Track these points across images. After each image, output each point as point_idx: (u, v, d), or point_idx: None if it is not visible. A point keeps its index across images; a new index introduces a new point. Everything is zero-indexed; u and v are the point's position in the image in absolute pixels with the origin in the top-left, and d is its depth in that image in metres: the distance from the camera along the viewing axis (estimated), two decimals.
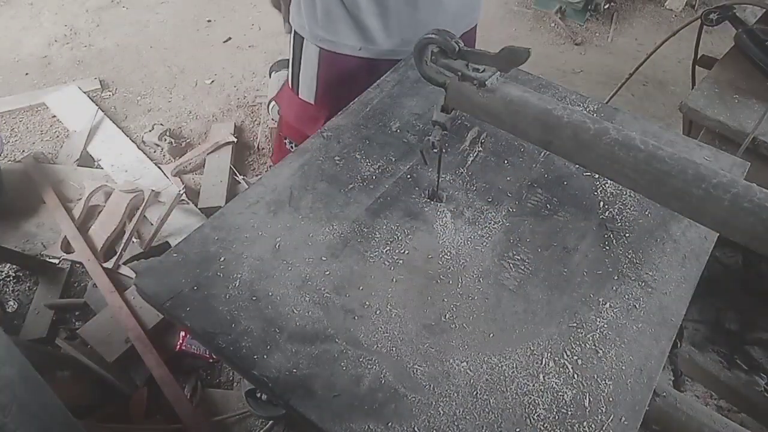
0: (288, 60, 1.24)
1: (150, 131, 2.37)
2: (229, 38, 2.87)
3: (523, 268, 0.79)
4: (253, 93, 2.57)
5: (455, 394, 0.66)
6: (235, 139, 2.28)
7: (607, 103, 1.16)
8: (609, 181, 0.91)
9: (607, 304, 0.75)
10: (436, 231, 0.83)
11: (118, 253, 1.90)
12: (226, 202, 1.77)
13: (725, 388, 1.26)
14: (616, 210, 0.87)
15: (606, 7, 3.20)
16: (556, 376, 0.68)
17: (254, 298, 0.74)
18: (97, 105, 2.51)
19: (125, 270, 1.87)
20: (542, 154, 0.95)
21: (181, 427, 1.54)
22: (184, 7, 3.07)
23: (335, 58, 1.12)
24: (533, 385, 0.67)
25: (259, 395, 1.24)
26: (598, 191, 0.90)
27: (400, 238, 0.81)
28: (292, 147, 1.32)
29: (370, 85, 1.04)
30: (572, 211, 0.86)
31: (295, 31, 1.16)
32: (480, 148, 0.95)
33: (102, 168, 2.27)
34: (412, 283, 0.76)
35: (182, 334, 1.71)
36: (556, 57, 2.99)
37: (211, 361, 1.72)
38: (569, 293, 0.76)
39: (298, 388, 0.66)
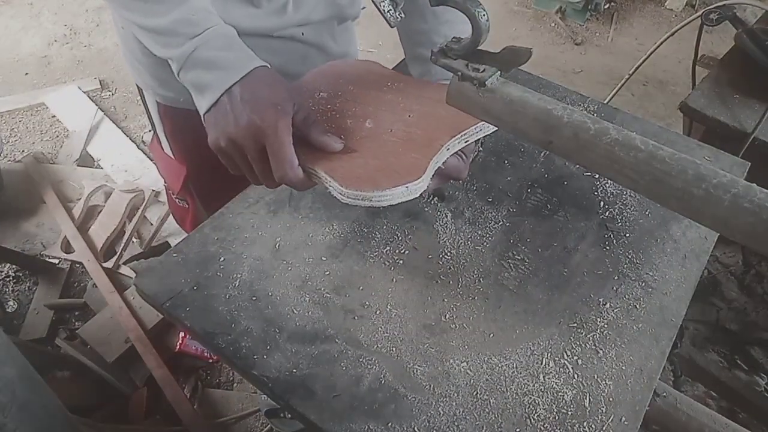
0: None
1: (150, 131, 2.37)
2: None
3: (523, 268, 0.79)
4: None
5: (455, 394, 0.66)
6: None
7: (607, 103, 1.16)
8: (609, 181, 0.91)
9: (608, 304, 0.75)
10: (436, 231, 0.83)
11: (118, 253, 1.90)
12: None
13: (725, 388, 1.26)
14: (616, 210, 0.87)
15: (606, 7, 3.20)
16: (556, 376, 0.68)
17: (254, 298, 0.74)
18: (96, 105, 2.51)
19: (125, 270, 1.87)
20: (542, 154, 0.95)
21: (181, 428, 1.54)
22: None
23: (174, 111, 0.97)
24: (533, 385, 0.67)
25: (282, 415, 1.22)
26: (599, 191, 0.90)
27: (400, 238, 0.81)
28: (185, 205, 1.15)
29: None
30: (572, 211, 0.86)
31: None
32: (480, 148, 0.95)
33: (102, 168, 2.27)
34: (412, 283, 0.76)
35: (182, 334, 1.71)
36: (556, 57, 2.99)
37: (210, 361, 1.72)
38: (569, 293, 0.76)
39: (298, 388, 0.66)
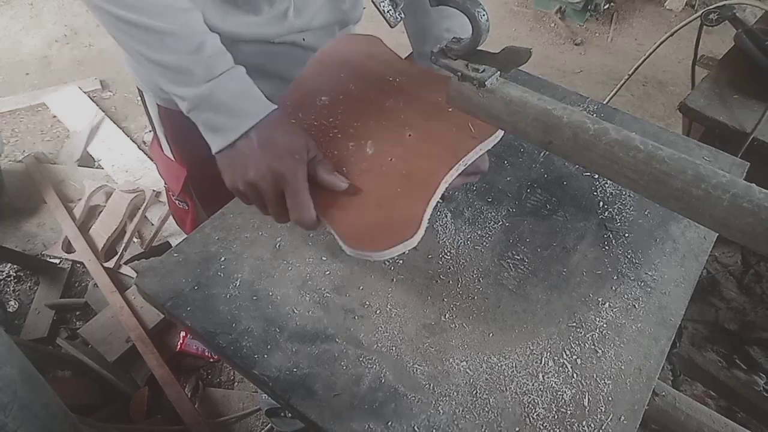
0: None
1: (150, 131, 2.38)
2: None
3: (522, 267, 0.79)
4: None
5: (455, 394, 0.66)
6: None
7: (607, 103, 1.16)
8: (609, 182, 0.91)
9: (607, 304, 0.76)
10: (436, 231, 0.83)
11: (119, 253, 1.91)
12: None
13: (724, 387, 1.26)
14: (615, 210, 0.87)
15: (606, 7, 3.20)
16: (556, 375, 0.68)
17: (255, 298, 0.74)
18: (97, 105, 2.51)
19: (126, 270, 1.88)
20: (542, 154, 0.95)
21: (182, 427, 1.54)
22: None
23: (174, 114, 0.91)
24: (533, 385, 0.67)
25: (282, 414, 1.23)
26: (598, 191, 0.90)
27: None
28: (185, 206, 1.16)
29: None
30: (572, 211, 0.87)
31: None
32: None
33: (103, 168, 2.27)
34: (412, 282, 0.77)
35: (183, 333, 1.71)
36: (556, 57, 2.99)
37: (211, 360, 1.72)
38: (568, 293, 0.77)
39: (298, 388, 0.66)
